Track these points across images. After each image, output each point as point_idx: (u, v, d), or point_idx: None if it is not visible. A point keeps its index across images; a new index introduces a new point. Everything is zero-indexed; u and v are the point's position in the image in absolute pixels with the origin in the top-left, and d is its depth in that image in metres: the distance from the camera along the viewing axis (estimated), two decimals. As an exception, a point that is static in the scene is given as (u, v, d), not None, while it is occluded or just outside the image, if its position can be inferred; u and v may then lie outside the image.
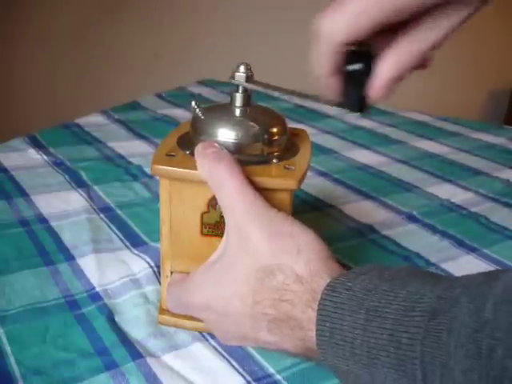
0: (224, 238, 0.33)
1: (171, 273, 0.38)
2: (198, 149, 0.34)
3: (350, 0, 0.27)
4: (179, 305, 0.35)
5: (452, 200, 0.66)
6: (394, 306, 0.26)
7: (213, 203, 0.34)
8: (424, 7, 0.27)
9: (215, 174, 0.32)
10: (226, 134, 0.34)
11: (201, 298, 0.33)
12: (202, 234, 0.35)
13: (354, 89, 0.31)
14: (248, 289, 0.30)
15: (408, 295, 0.26)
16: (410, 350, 0.24)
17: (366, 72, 0.30)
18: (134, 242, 0.50)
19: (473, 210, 0.63)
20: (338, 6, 0.28)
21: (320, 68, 0.30)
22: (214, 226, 0.35)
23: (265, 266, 0.30)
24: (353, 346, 0.26)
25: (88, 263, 0.46)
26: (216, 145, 0.34)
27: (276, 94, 0.35)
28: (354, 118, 1.00)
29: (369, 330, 0.26)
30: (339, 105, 0.33)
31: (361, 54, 0.30)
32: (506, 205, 0.65)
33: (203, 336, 0.39)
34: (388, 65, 0.29)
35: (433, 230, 0.58)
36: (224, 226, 0.35)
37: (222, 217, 0.35)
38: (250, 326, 0.30)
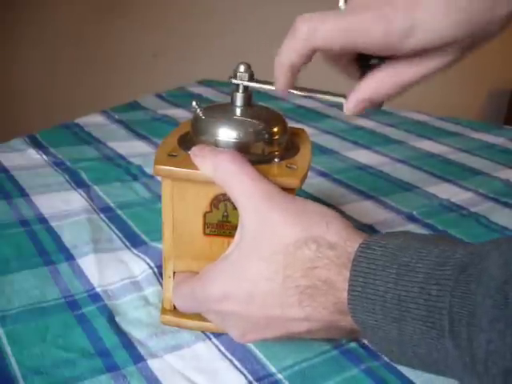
0: (239, 229, 0.33)
1: (174, 273, 0.38)
2: (195, 151, 0.34)
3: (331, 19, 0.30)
4: (192, 301, 0.34)
5: (452, 200, 0.66)
6: (426, 261, 0.26)
7: (215, 203, 0.34)
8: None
9: (221, 169, 0.32)
10: (227, 134, 0.35)
11: (219, 288, 0.32)
12: (205, 233, 0.35)
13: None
14: (276, 266, 0.30)
15: (440, 252, 0.27)
16: (439, 300, 0.25)
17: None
18: (134, 242, 0.50)
19: (473, 209, 0.63)
20: (323, 17, 0.31)
21: (287, 59, 0.32)
22: (216, 226, 0.35)
23: (295, 240, 0.30)
24: (384, 299, 0.27)
25: (88, 263, 0.46)
26: (211, 146, 0.34)
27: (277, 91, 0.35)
28: (354, 117, 1.00)
29: (400, 283, 0.26)
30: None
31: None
32: (506, 205, 0.65)
33: (206, 335, 0.39)
34: (367, 85, 0.33)
35: (433, 229, 0.58)
36: (227, 225, 0.35)
37: (224, 216, 0.35)
38: (279, 304, 0.30)
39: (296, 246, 0.30)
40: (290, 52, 0.32)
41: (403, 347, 0.27)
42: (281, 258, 0.30)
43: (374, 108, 0.34)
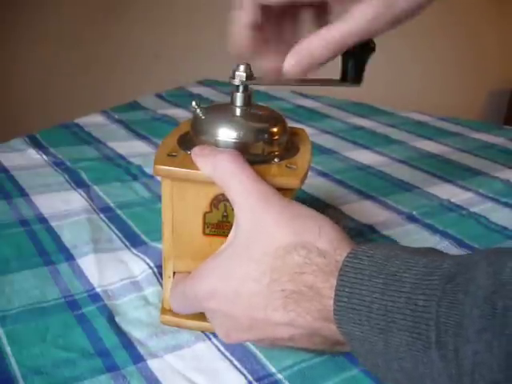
0: (233, 228, 0.33)
1: (173, 273, 0.38)
2: (196, 151, 0.34)
3: None
4: (185, 299, 0.35)
5: (452, 200, 0.66)
6: (414, 271, 0.26)
7: (215, 203, 0.34)
8: None
9: (220, 168, 0.32)
10: (227, 134, 0.35)
11: (209, 284, 0.32)
12: (205, 233, 0.35)
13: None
14: (265, 267, 0.30)
15: (428, 262, 0.26)
16: (426, 311, 0.24)
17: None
18: (134, 242, 0.50)
19: (473, 210, 0.63)
20: None
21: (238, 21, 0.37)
22: (216, 226, 0.35)
23: (286, 244, 0.30)
24: (370, 309, 0.26)
25: (88, 263, 0.46)
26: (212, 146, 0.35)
27: (282, 86, 0.37)
28: (354, 117, 1.00)
29: (387, 293, 0.26)
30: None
31: None
32: (506, 205, 0.65)
33: (206, 335, 0.39)
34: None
35: (433, 230, 0.58)
36: (226, 225, 0.35)
37: (224, 216, 0.35)
38: (264, 306, 0.30)
39: (286, 250, 0.29)
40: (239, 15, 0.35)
41: (389, 360, 0.27)
42: (270, 260, 0.30)
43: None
